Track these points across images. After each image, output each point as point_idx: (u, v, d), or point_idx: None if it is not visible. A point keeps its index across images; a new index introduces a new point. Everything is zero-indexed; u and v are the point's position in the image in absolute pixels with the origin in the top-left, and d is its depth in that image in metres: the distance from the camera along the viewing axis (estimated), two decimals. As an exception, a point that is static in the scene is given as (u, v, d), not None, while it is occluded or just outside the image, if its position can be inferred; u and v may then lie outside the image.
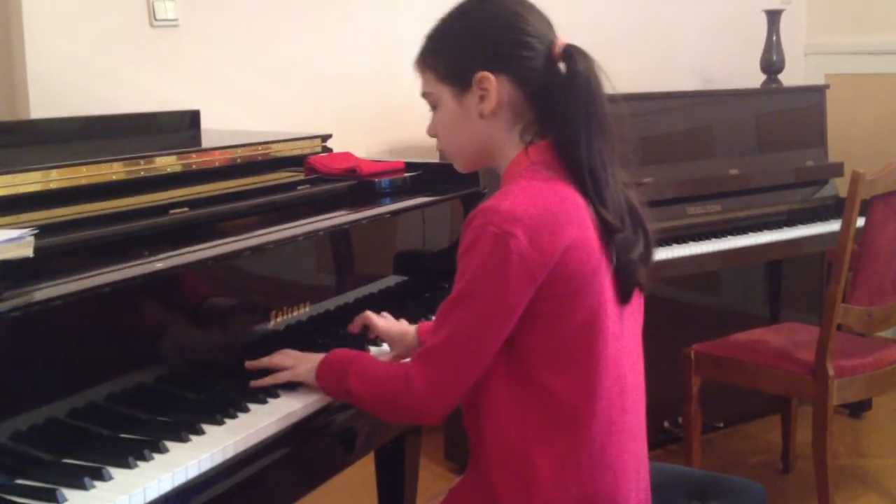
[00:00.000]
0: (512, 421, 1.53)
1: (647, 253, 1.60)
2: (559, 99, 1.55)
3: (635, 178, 1.66)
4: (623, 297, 1.57)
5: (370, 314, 1.93)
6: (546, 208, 1.48)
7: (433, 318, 1.61)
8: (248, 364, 1.74)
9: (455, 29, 1.63)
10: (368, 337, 1.94)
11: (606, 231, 1.52)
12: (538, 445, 1.52)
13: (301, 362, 1.72)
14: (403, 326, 1.92)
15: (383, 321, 1.92)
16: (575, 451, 1.53)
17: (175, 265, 1.63)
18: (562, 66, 1.57)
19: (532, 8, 1.61)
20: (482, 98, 1.58)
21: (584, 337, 1.51)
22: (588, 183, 1.52)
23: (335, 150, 2.50)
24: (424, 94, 1.66)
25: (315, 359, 1.70)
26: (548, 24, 1.61)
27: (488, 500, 1.56)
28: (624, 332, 1.58)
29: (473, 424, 1.59)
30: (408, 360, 1.69)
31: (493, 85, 1.56)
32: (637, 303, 1.63)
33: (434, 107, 1.65)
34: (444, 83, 1.61)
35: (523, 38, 1.57)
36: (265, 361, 1.74)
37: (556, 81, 1.57)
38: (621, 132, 1.58)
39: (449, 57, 1.61)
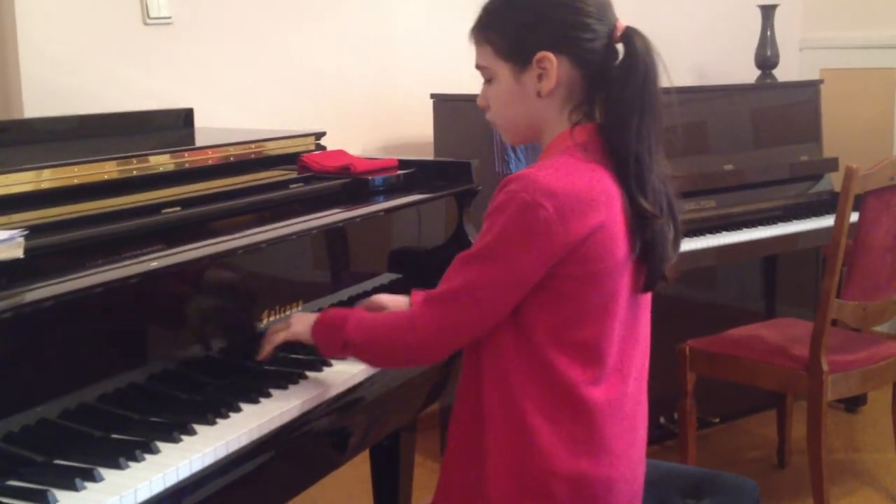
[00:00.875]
0: (515, 391, 1.53)
1: (676, 245, 1.61)
2: (616, 81, 1.55)
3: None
4: (646, 287, 1.58)
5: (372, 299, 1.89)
6: (581, 189, 1.49)
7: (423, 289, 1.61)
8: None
9: (517, 5, 1.61)
10: None
11: (641, 219, 1.53)
12: (538, 419, 1.52)
13: (297, 322, 1.73)
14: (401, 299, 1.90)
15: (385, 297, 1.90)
16: (573, 430, 1.53)
17: (167, 265, 1.63)
18: (620, 48, 1.58)
19: None
20: (541, 77, 1.57)
21: (594, 321, 1.52)
22: (631, 167, 1.53)
23: (329, 148, 2.50)
24: (479, 67, 1.65)
25: (311, 317, 1.72)
26: (607, 5, 1.60)
27: (480, 473, 1.56)
28: (635, 320, 1.59)
29: (474, 391, 1.58)
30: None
31: (553, 65, 1.56)
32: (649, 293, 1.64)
33: (489, 80, 1.64)
34: (502, 59, 1.60)
35: (585, 19, 1.56)
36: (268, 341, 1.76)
37: (614, 64, 1.57)
38: (669, 121, 1.59)
39: (510, 34, 1.60)
